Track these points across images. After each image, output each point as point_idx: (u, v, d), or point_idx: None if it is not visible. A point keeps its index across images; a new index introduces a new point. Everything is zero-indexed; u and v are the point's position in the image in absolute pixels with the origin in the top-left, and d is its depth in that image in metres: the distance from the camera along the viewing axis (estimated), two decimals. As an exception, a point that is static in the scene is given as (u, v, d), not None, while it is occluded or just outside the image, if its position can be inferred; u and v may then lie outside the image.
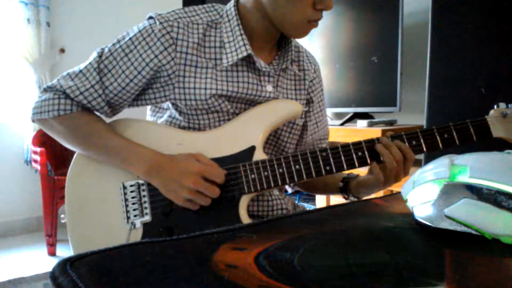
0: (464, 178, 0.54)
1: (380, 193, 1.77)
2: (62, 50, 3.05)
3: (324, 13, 0.84)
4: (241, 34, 0.85)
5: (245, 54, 0.85)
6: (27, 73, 2.89)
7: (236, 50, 0.85)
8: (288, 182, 0.83)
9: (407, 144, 0.83)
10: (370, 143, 0.83)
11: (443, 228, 0.55)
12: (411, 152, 0.82)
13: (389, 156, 0.81)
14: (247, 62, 0.88)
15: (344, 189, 0.95)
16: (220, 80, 0.86)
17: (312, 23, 0.83)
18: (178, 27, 0.84)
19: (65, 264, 0.44)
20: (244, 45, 0.85)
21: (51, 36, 2.97)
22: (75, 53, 3.05)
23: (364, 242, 0.54)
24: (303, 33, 0.85)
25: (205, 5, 0.90)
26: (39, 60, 2.89)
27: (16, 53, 2.85)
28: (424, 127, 1.56)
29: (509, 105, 0.83)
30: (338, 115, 2.58)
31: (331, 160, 0.82)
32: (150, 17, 0.87)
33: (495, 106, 0.83)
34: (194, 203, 0.81)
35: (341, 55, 2.25)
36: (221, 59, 0.86)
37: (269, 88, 0.90)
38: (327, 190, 1.05)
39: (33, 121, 0.88)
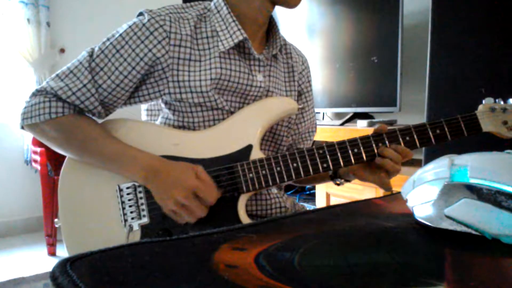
0: (464, 178, 0.54)
1: (380, 193, 1.77)
2: (62, 50, 3.05)
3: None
4: (234, 21, 0.87)
5: (240, 38, 0.86)
6: (27, 73, 2.89)
7: (231, 36, 0.86)
8: (286, 180, 0.83)
9: (401, 140, 0.84)
10: (365, 140, 0.85)
11: (443, 228, 0.55)
12: (410, 152, 0.84)
13: (394, 166, 0.84)
14: (239, 50, 0.89)
15: (333, 176, 0.98)
16: (214, 67, 0.86)
17: None
18: (170, 21, 0.84)
19: (65, 264, 0.44)
20: (239, 29, 0.86)
21: (51, 36, 2.97)
22: (75, 53, 3.02)
23: (364, 242, 0.54)
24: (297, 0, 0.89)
25: (191, 3, 0.92)
26: (39, 60, 2.89)
27: (16, 53, 2.85)
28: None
29: (497, 100, 0.85)
30: (338, 115, 2.58)
31: (328, 157, 0.84)
32: (140, 14, 0.87)
33: (483, 101, 0.85)
34: (179, 216, 0.79)
35: (341, 55, 2.25)
36: (214, 47, 0.87)
37: (260, 77, 0.91)
38: (317, 180, 1.07)
39: (22, 127, 0.84)
